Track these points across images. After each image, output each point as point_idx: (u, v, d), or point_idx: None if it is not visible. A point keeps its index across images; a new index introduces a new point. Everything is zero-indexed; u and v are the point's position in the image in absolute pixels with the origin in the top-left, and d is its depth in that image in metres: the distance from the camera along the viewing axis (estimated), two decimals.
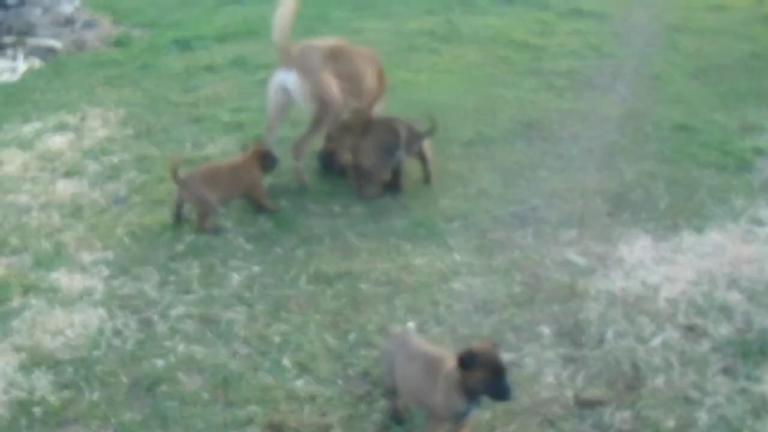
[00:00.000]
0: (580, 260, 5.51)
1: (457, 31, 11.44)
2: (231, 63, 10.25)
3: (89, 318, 5.04)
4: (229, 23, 12.35)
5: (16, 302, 5.24)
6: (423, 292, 5.17)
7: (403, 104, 8.36)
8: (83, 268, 5.62)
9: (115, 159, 7.39)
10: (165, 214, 6.26)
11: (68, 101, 9.14)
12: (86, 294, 5.30)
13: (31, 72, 10.83)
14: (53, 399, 4.32)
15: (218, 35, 11.70)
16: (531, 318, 4.89)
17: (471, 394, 3.61)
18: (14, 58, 11.47)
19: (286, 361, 4.56)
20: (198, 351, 4.68)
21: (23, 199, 6.70)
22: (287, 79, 6.43)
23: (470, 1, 13.20)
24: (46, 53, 11.55)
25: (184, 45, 11.32)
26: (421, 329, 4.80)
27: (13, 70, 11.00)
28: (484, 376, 3.53)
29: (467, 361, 3.53)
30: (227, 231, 6.01)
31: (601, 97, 8.78)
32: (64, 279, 5.50)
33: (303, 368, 4.51)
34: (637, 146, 7.39)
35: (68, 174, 7.13)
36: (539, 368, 4.46)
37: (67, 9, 13.45)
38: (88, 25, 12.78)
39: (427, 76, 9.54)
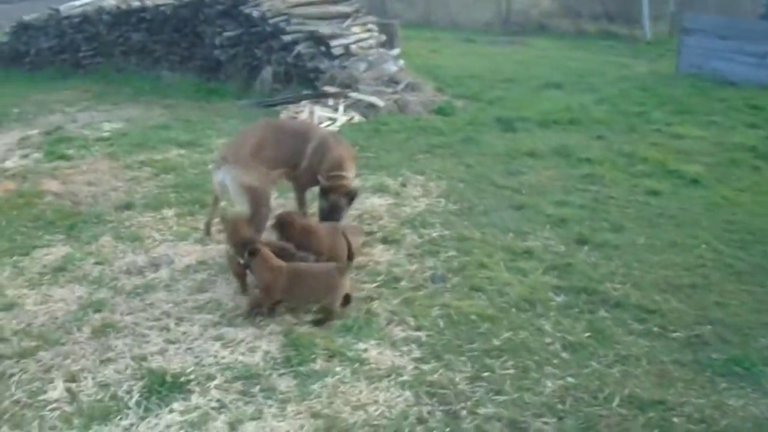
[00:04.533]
0: None
1: None
2: (553, 151, 9.83)
3: (394, 398, 4.72)
4: (551, 109, 12.11)
5: (319, 365, 5.02)
6: None
7: (724, 225, 7.58)
8: (393, 344, 5.30)
9: (434, 233, 7.06)
10: (483, 303, 5.83)
11: (388, 163, 9.07)
12: (394, 372, 4.98)
13: (350, 125, 11.00)
14: None
15: (540, 120, 11.47)
16: None
17: None
18: (335, 108, 11.73)
19: None
20: None
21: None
22: None
23: None
24: (367, 109, 11.71)
25: (506, 124, 11.22)
26: None
27: (333, 120, 11.22)
28: None
29: None
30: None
31: None
32: (372, 351, 5.21)
33: None
34: None
35: (385, 240, 6.88)
36: None
37: (392, 68, 13.66)
38: (412, 87, 12.87)
39: (749, 196, 8.54)
